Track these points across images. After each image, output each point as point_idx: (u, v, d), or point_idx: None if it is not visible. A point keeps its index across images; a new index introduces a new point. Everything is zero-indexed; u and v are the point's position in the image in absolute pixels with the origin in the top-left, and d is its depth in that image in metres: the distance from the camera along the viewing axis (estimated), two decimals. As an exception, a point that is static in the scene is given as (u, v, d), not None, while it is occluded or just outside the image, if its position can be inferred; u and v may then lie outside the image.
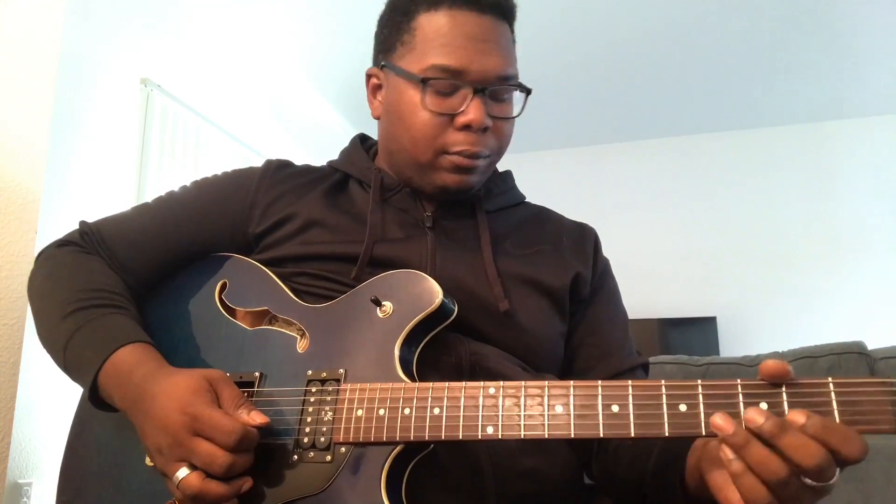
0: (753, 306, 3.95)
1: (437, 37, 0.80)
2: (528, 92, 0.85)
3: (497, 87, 0.81)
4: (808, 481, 0.51)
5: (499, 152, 0.86)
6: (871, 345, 1.55)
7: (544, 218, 0.97)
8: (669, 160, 4.33)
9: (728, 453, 0.53)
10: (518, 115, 0.86)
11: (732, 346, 3.82)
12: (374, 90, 0.90)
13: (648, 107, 3.96)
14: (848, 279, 3.82)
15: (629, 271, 3.81)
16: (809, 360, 1.53)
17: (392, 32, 0.86)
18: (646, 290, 4.03)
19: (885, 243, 3.82)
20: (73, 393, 0.83)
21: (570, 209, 1.00)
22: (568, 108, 3.97)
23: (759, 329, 3.89)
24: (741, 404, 0.55)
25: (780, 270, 3.96)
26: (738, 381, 0.55)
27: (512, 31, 0.87)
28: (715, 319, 3.89)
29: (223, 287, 0.85)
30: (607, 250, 0.96)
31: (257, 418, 0.66)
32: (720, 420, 0.53)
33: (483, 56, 0.80)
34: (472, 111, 0.79)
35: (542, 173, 4.32)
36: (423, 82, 0.79)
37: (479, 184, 0.87)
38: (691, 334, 3.96)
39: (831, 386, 0.53)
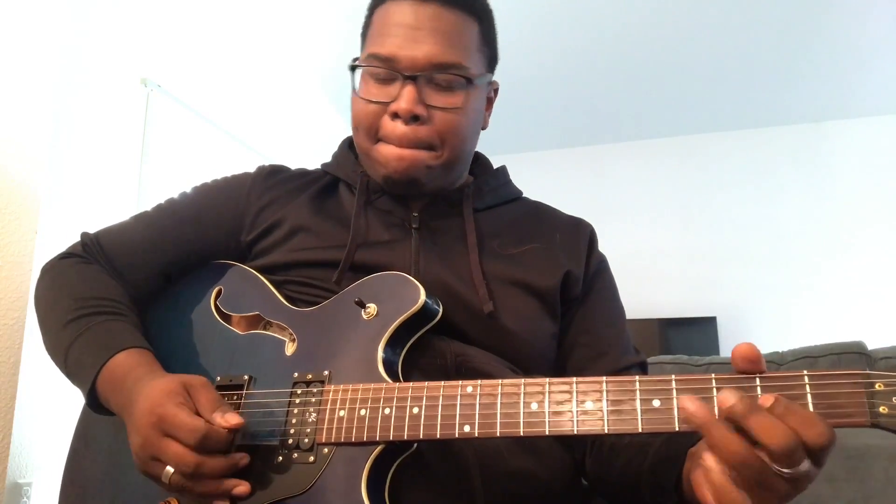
0: (753, 306, 3.95)
1: (378, 27, 0.82)
2: (468, 81, 0.81)
3: (430, 74, 0.79)
4: (776, 467, 0.50)
5: (444, 144, 0.82)
6: (871, 345, 1.55)
7: (539, 214, 0.96)
8: (669, 160, 4.33)
9: (701, 451, 0.53)
10: (461, 108, 0.81)
11: (732, 346, 3.75)
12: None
13: (648, 107, 3.96)
14: (848, 279, 3.82)
15: (629, 271, 3.81)
16: (809, 359, 1.53)
17: (363, 27, 0.88)
18: (646, 290, 4.02)
19: (885, 243, 3.82)
20: (73, 393, 0.83)
21: (571, 210, 1.00)
22: (568, 108, 3.97)
23: (759, 329, 3.89)
24: (715, 399, 0.54)
25: (780, 270, 3.95)
26: (713, 375, 0.55)
27: (476, 22, 0.84)
28: (715, 319, 3.89)
29: (218, 294, 0.87)
30: (608, 250, 0.95)
31: (231, 419, 0.66)
32: (686, 401, 0.53)
33: (414, 44, 0.79)
34: (401, 99, 0.79)
35: (542, 173, 4.32)
36: (352, 70, 0.82)
37: (430, 176, 0.84)
38: (691, 334, 3.95)
39: (806, 379, 0.53)
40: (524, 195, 0.99)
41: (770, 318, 3.90)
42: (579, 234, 0.93)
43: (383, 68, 0.80)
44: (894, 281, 3.75)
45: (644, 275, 4.05)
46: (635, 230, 4.21)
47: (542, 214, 0.96)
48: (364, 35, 0.86)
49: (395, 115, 0.80)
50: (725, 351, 3.81)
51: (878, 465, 1.27)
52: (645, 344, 3.84)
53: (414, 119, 0.79)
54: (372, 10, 0.85)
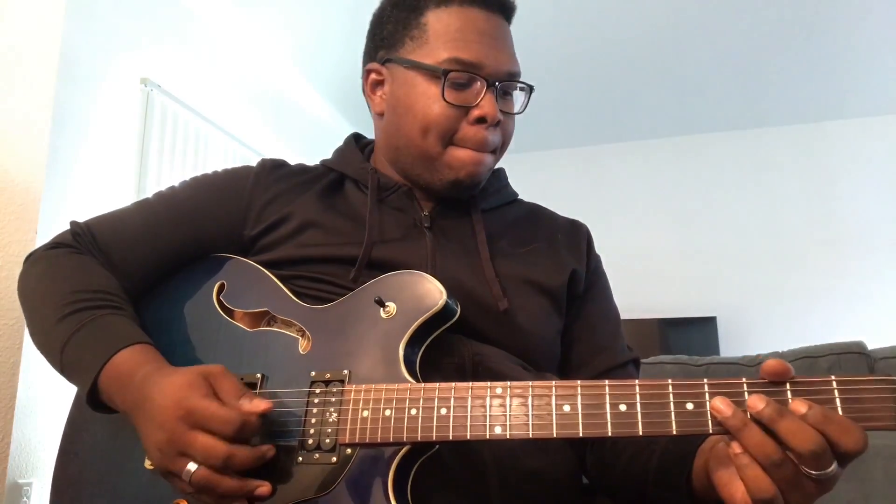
0: (753, 306, 3.95)
1: (451, 31, 0.82)
2: (531, 90, 0.87)
3: (507, 82, 0.84)
4: (805, 469, 0.51)
5: (502, 149, 0.88)
6: (871, 345, 1.55)
7: (537, 215, 0.97)
8: (669, 160, 4.33)
9: (735, 447, 0.54)
10: (521, 112, 0.88)
11: (732, 346, 3.83)
12: (373, 86, 0.90)
13: (648, 107, 3.96)
14: (848, 279, 3.82)
15: (629, 271, 3.84)
16: (809, 360, 1.53)
17: (397, 28, 0.86)
18: (646, 290, 4.02)
19: (885, 243, 3.82)
20: (73, 393, 0.82)
21: (570, 209, 1.00)
22: (568, 108, 3.97)
23: (759, 329, 3.89)
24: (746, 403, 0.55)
25: (780, 270, 3.96)
26: (744, 379, 0.56)
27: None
28: (715, 319, 3.89)
29: (221, 288, 0.84)
30: (607, 250, 0.96)
31: (261, 405, 0.64)
32: (720, 403, 0.54)
33: (495, 52, 0.82)
34: (486, 105, 0.81)
35: (541, 173, 4.32)
36: (445, 74, 0.80)
37: (485, 179, 0.88)
38: (691, 334, 3.96)
39: (834, 384, 0.54)
40: (521, 195, 1.00)
41: (770, 318, 3.90)
42: (579, 235, 0.94)
43: (468, 74, 0.81)
44: (894, 281, 3.75)
45: (644, 275, 4.05)
46: (635, 230, 4.22)
47: (541, 216, 0.97)
48: (412, 37, 0.84)
49: (478, 120, 0.82)
50: (725, 351, 3.81)
51: (878, 465, 1.27)
52: (645, 344, 3.84)
53: (495, 124, 0.83)
54: (420, 11, 0.84)
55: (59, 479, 0.82)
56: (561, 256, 0.89)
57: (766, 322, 3.90)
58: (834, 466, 0.51)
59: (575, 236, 0.94)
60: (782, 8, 2.95)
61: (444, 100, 0.80)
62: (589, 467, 0.82)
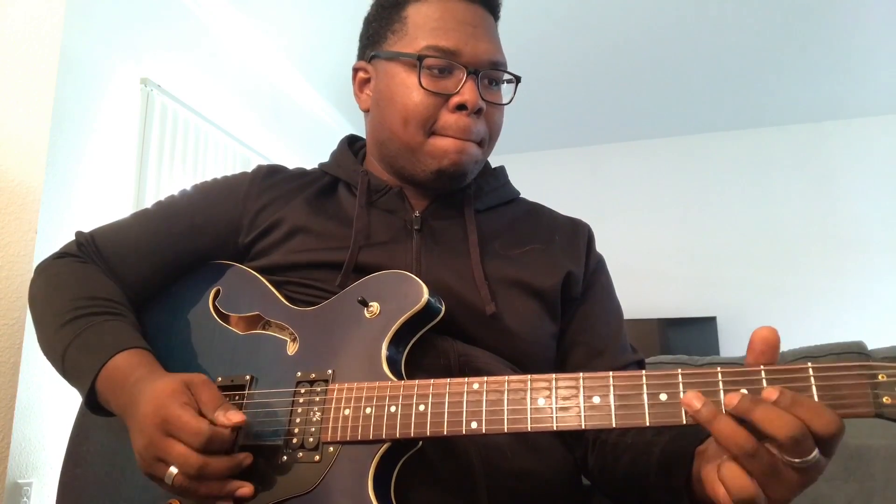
0: (753, 306, 3.95)
1: (429, 21, 0.82)
2: (517, 80, 0.86)
3: (490, 71, 0.83)
4: (786, 458, 0.50)
5: (490, 141, 0.87)
6: (871, 345, 1.55)
7: (537, 215, 0.96)
8: (669, 160, 4.33)
9: (711, 445, 0.53)
10: (509, 103, 0.87)
11: (732, 346, 3.83)
12: (361, 84, 0.91)
13: (648, 107, 3.96)
14: (848, 279, 3.82)
15: (629, 271, 3.84)
16: (809, 360, 1.53)
17: (381, 25, 0.87)
18: (646, 290, 4.03)
19: (885, 243, 3.82)
20: (73, 393, 0.83)
21: (570, 209, 1.00)
22: (568, 108, 3.97)
23: (759, 329, 3.89)
24: (721, 392, 0.55)
25: (781, 270, 3.96)
26: (718, 368, 0.55)
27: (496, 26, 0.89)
28: (715, 319, 3.89)
29: (217, 294, 0.86)
30: (608, 251, 0.95)
31: (234, 417, 0.65)
32: (691, 397, 0.53)
33: (475, 40, 0.81)
34: (466, 91, 0.80)
35: (542, 173, 4.32)
36: (420, 60, 0.80)
37: (472, 172, 0.86)
38: (691, 334, 3.95)
39: (810, 371, 0.53)
40: (521, 195, 0.99)
41: (770, 318, 3.90)
42: (578, 235, 0.93)
43: (445, 60, 0.80)
44: (894, 281, 3.75)
45: (644, 275, 4.05)
46: (635, 230, 4.22)
47: (541, 215, 0.96)
48: (393, 31, 0.85)
49: (458, 107, 0.80)
50: (725, 351, 3.81)
51: (878, 465, 1.27)
52: (645, 344, 3.84)
53: (476, 112, 0.81)
54: (401, 6, 0.85)
55: (64, 481, 0.84)
56: (557, 258, 0.87)
57: (766, 322, 3.79)
58: (815, 453, 0.50)
59: (574, 236, 0.92)
60: (782, 8, 2.95)
61: (422, 87, 0.80)
62: (591, 470, 0.82)
